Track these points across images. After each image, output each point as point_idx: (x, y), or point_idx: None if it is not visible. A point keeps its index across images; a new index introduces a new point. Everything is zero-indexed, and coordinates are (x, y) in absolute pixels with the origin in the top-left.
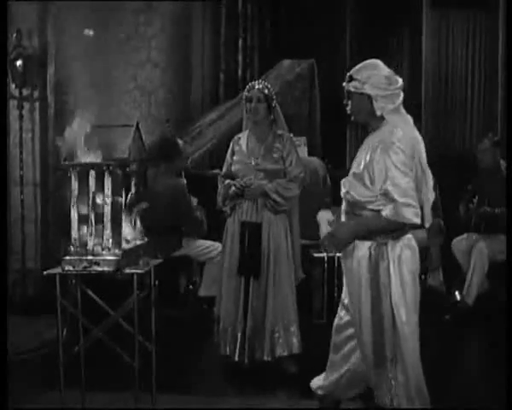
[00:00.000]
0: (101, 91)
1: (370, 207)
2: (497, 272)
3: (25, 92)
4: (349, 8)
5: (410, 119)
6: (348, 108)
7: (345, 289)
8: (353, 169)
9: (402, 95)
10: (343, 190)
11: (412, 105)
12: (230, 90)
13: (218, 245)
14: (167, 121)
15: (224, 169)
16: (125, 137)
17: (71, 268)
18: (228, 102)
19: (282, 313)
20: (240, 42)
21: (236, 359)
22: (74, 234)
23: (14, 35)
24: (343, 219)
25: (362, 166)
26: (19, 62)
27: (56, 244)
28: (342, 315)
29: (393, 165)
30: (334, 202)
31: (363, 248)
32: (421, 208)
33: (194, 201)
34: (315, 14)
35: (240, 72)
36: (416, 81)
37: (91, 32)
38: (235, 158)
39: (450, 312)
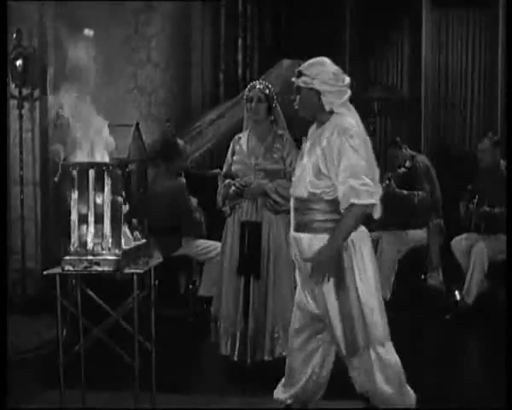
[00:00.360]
0: (100, 91)
1: (327, 197)
2: (496, 272)
3: (25, 92)
4: (349, 7)
5: (357, 114)
6: (296, 103)
7: (299, 289)
8: (305, 163)
9: (349, 92)
10: (293, 189)
11: (412, 103)
12: (230, 90)
13: (217, 245)
14: (167, 121)
15: (225, 169)
16: (124, 136)
17: (71, 268)
18: (228, 101)
19: (282, 312)
20: (240, 42)
21: (236, 359)
22: (74, 234)
23: (14, 35)
24: (292, 215)
25: (315, 158)
26: (19, 62)
27: (56, 244)
28: (298, 317)
29: (350, 148)
30: None
31: (320, 243)
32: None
33: (194, 201)
34: (315, 13)
35: (240, 72)
36: (415, 79)
37: (91, 32)
38: (235, 158)
39: (450, 311)
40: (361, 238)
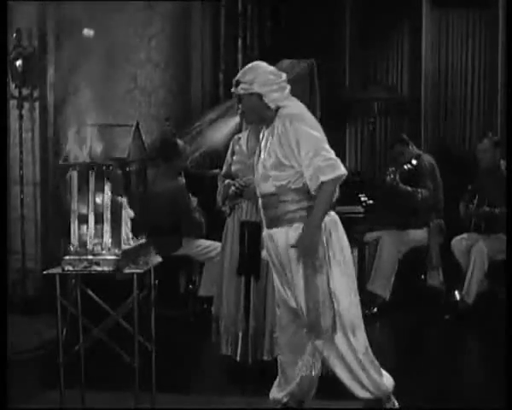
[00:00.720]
0: (100, 91)
1: (294, 186)
2: (496, 272)
3: (24, 92)
4: (349, 7)
5: (302, 104)
6: (239, 111)
7: (277, 287)
8: (264, 160)
9: (289, 86)
10: (259, 188)
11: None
12: (230, 90)
13: (217, 245)
14: (167, 120)
15: (224, 169)
16: (124, 136)
17: (71, 268)
18: (228, 101)
19: None
20: (239, 42)
21: (238, 359)
22: (74, 234)
23: (14, 35)
24: (262, 214)
25: (274, 152)
26: (18, 62)
27: (56, 244)
28: (282, 314)
29: (305, 131)
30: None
31: (296, 232)
32: None
33: (194, 201)
34: (315, 13)
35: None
36: (415, 79)
37: (91, 32)
38: (235, 158)
39: (450, 311)
40: (332, 223)
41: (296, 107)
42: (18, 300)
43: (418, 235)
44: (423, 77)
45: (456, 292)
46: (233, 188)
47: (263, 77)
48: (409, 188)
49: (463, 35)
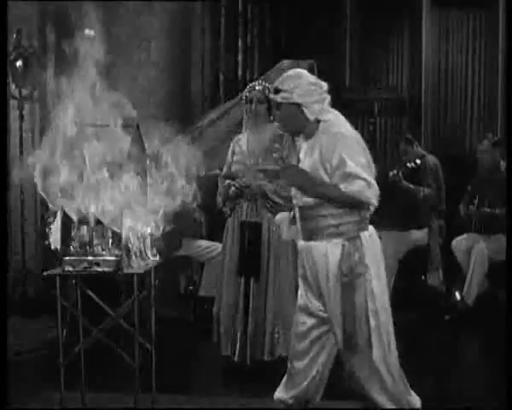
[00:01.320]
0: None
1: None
2: (497, 273)
3: (25, 93)
4: (349, 8)
5: (341, 115)
6: (277, 119)
7: (302, 293)
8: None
9: (328, 97)
10: (297, 199)
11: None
12: (230, 91)
13: (217, 245)
14: (168, 121)
15: (225, 169)
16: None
17: (71, 269)
18: (228, 102)
19: (282, 313)
20: (240, 42)
21: (236, 359)
22: (74, 234)
23: (15, 35)
24: (299, 225)
25: (316, 168)
26: (19, 63)
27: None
28: (303, 320)
29: (349, 153)
30: None
31: (337, 247)
32: None
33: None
34: (315, 14)
35: (240, 72)
36: (415, 80)
37: (92, 33)
38: (235, 158)
39: (451, 312)
40: (371, 240)
41: (340, 124)
42: (18, 300)
43: (419, 235)
44: (423, 77)
45: (457, 293)
46: (233, 188)
47: (303, 87)
48: (411, 185)
49: (463, 36)
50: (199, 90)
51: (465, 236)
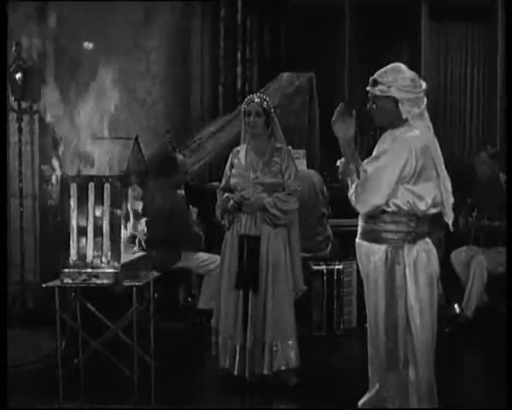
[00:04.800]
0: (100, 103)
1: (389, 209)
2: (496, 285)
3: (24, 105)
4: (348, 20)
5: (431, 126)
6: (373, 112)
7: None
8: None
9: (426, 99)
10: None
11: None
12: (229, 103)
13: (216, 258)
14: (167, 133)
15: (223, 182)
16: (124, 149)
17: (70, 281)
18: (227, 114)
19: (281, 326)
20: (239, 54)
21: (236, 372)
22: (73, 246)
23: (14, 48)
24: (361, 223)
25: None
26: (18, 75)
27: (55, 257)
28: None
29: (384, 152)
30: (334, 215)
31: (379, 252)
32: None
33: (194, 214)
34: (314, 27)
35: (239, 84)
36: None
37: (91, 46)
38: (233, 171)
39: (450, 324)
40: (424, 261)
41: (419, 130)
42: (17, 312)
43: None
44: None
45: (456, 305)
46: (231, 202)
47: (402, 82)
48: None
49: (462, 48)
50: (198, 103)
51: (464, 248)
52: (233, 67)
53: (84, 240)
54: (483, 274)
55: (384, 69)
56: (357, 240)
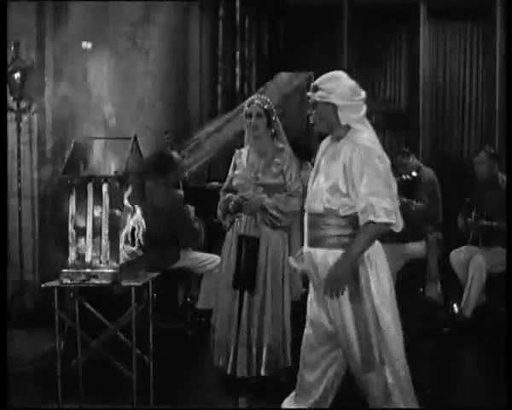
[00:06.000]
0: (98, 104)
1: (343, 213)
2: (495, 285)
3: (23, 105)
4: (347, 20)
5: (372, 129)
6: (312, 118)
7: (313, 305)
8: (322, 180)
9: (365, 107)
10: (308, 205)
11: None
12: (228, 103)
13: (216, 257)
14: (166, 133)
15: (226, 183)
16: (123, 149)
17: (69, 281)
18: (226, 114)
19: (279, 327)
20: (237, 54)
21: (228, 371)
22: (72, 247)
23: (13, 48)
24: (307, 232)
25: (334, 176)
26: (17, 75)
27: (54, 257)
28: (311, 333)
29: (371, 168)
30: None
31: (334, 258)
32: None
33: (192, 210)
34: (313, 26)
35: (238, 84)
36: (413, 92)
37: (89, 45)
38: (236, 172)
39: (449, 324)
40: (376, 253)
41: (367, 135)
42: (16, 313)
43: (416, 248)
44: (421, 89)
45: (455, 305)
46: (232, 202)
47: (342, 89)
48: (404, 198)
49: (461, 47)
50: (197, 103)
51: (463, 248)
52: (232, 66)
53: (82, 240)
54: (482, 274)
55: (325, 76)
56: (308, 248)
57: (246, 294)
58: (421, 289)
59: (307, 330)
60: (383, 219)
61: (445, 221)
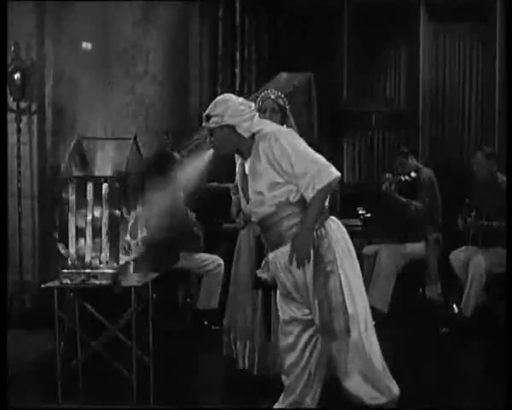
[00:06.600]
0: (98, 104)
1: (293, 199)
2: (495, 285)
3: (23, 105)
4: (346, 21)
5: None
6: (212, 145)
7: (282, 307)
8: (254, 187)
9: (257, 114)
10: (256, 214)
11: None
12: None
13: (215, 258)
14: (166, 134)
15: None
16: (122, 150)
17: (68, 281)
18: None
19: None
20: (237, 55)
21: (256, 373)
22: (72, 247)
23: (13, 48)
24: (264, 239)
25: (266, 174)
26: (17, 75)
27: (54, 257)
28: (289, 331)
29: (291, 145)
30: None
31: None
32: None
33: (192, 215)
34: (312, 27)
35: (237, 85)
36: (413, 93)
37: (89, 46)
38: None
39: (449, 324)
40: (337, 227)
41: (271, 125)
42: (16, 313)
43: (416, 248)
44: (421, 90)
45: (455, 305)
46: None
47: (233, 108)
48: (402, 198)
49: (460, 48)
50: (196, 103)
51: (463, 248)
52: (231, 67)
53: (82, 241)
54: (481, 274)
55: (213, 102)
56: (276, 252)
57: (265, 293)
58: (421, 290)
59: (284, 331)
60: (328, 179)
61: (444, 221)
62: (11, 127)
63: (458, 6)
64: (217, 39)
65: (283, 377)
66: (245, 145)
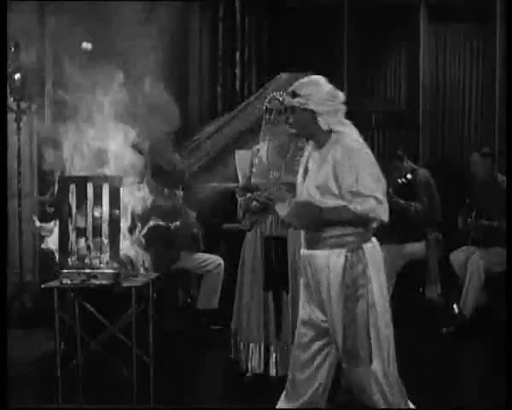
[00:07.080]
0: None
1: None
2: (495, 285)
3: (23, 105)
4: (346, 20)
5: (354, 128)
6: (290, 122)
7: (304, 305)
8: (309, 184)
9: (344, 108)
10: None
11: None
12: (228, 104)
13: (215, 258)
14: (166, 134)
15: (243, 181)
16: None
17: (69, 281)
18: (226, 115)
19: None
20: (237, 55)
21: (272, 373)
22: (72, 247)
23: (13, 48)
24: (303, 234)
25: (325, 179)
26: (17, 76)
27: (54, 257)
28: (305, 332)
29: (362, 168)
30: None
31: (339, 259)
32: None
33: (192, 215)
34: (313, 27)
35: (238, 85)
36: (413, 92)
37: (89, 46)
38: (254, 170)
39: (449, 324)
40: (374, 252)
41: (353, 137)
42: (16, 313)
43: (416, 248)
44: (421, 90)
45: (455, 305)
46: (255, 203)
47: (320, 95)
48: (401, 201)
49: (461, 48)
50: (197, 104)
51: (463, 248)
52: (232, 67)
53: (82, 241)
54: (480, 274)
55: (302, 81)
56: (307, 251)
57: (282, 294)
58: (421, 290)
59: (299, 330)
60: (377, 214)
61: (444, 221)
62: (11, 127)
63: (458, 6)
64: (217, 39)
65: (290, 374)
66: (320, 137)
